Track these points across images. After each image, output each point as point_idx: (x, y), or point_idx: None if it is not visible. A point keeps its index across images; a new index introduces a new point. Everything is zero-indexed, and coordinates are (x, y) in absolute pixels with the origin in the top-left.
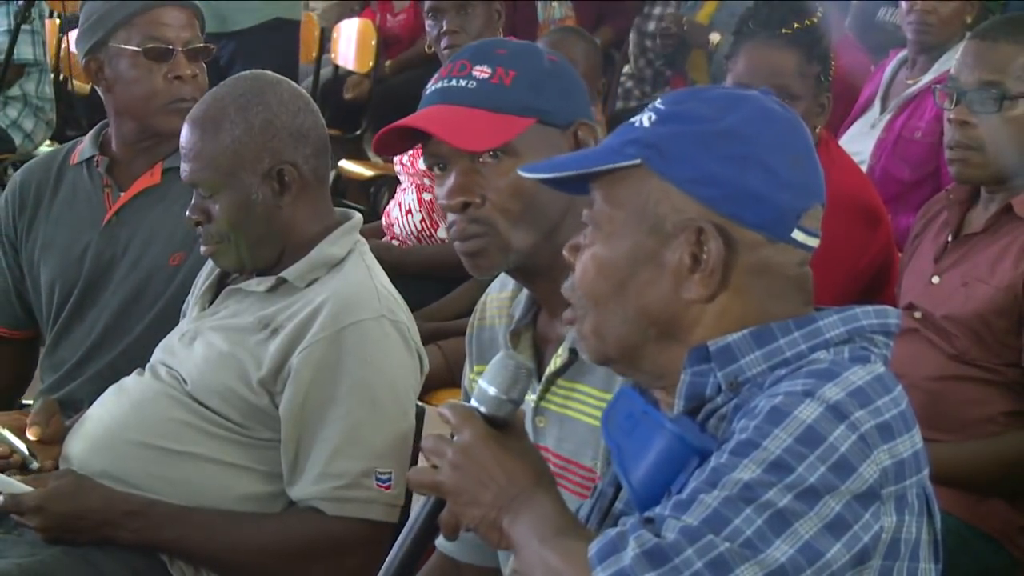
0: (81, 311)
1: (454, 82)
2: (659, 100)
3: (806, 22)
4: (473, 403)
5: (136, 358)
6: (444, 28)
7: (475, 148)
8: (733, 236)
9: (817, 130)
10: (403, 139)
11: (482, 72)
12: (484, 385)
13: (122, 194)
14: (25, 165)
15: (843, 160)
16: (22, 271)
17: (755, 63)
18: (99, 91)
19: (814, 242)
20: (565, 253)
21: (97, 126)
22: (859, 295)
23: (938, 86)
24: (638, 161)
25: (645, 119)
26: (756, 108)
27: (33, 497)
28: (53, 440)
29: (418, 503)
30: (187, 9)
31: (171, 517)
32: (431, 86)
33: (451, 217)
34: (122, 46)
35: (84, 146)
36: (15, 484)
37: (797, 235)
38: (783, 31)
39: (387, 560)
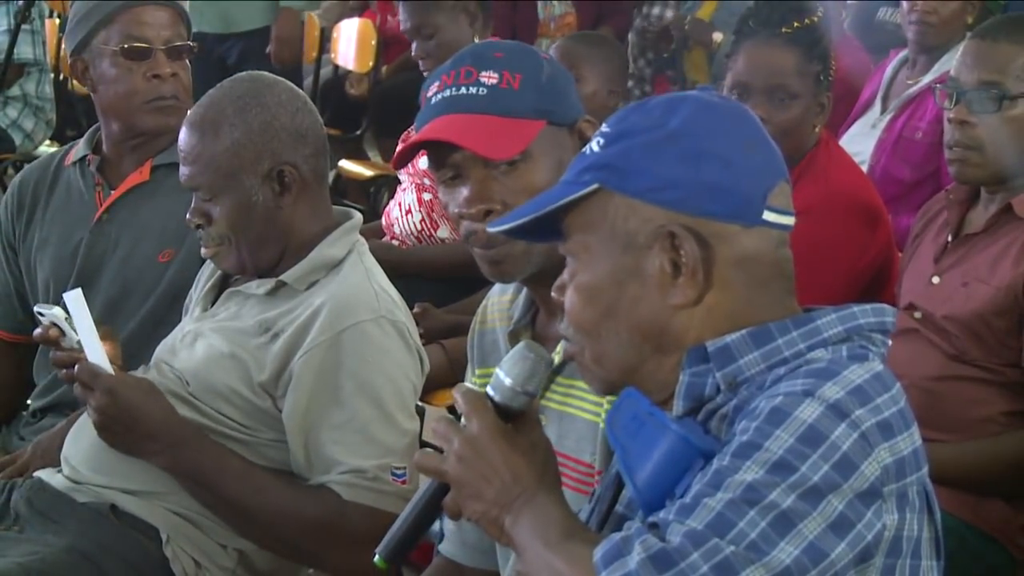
0: None
1: (463, 90)
2: (605, 124)
3: (806, 21)
4: (488, 390)
5: (128, 355)
6: (414, 52)
7: (502, 157)
8: (706, 233)
9: (816, 129)
10: (413, 146)
11: (490, 78)
12: (501, 375)
13: (112, 192)
14: (24, 168)
15: (843, 160)
16: (22, 273)
17: (755, 62)
18: (88, 91)
19: (788, 220)
20: (553, 294)
21: (93, 127)
22: (859, 295)
23: (938, 85)
24: (596, 186)
25: (594, 145)
26: (697, 105)
27: (110, 379)
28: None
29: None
30: (168, 8)
31: (211, 458)
32: (436, 93)
33: (470, 225)
34: (103, 46)
35: (78, 148)
36: (104, 359)
37: (768, 216)
38: (783, 30)
39: (388, 533)
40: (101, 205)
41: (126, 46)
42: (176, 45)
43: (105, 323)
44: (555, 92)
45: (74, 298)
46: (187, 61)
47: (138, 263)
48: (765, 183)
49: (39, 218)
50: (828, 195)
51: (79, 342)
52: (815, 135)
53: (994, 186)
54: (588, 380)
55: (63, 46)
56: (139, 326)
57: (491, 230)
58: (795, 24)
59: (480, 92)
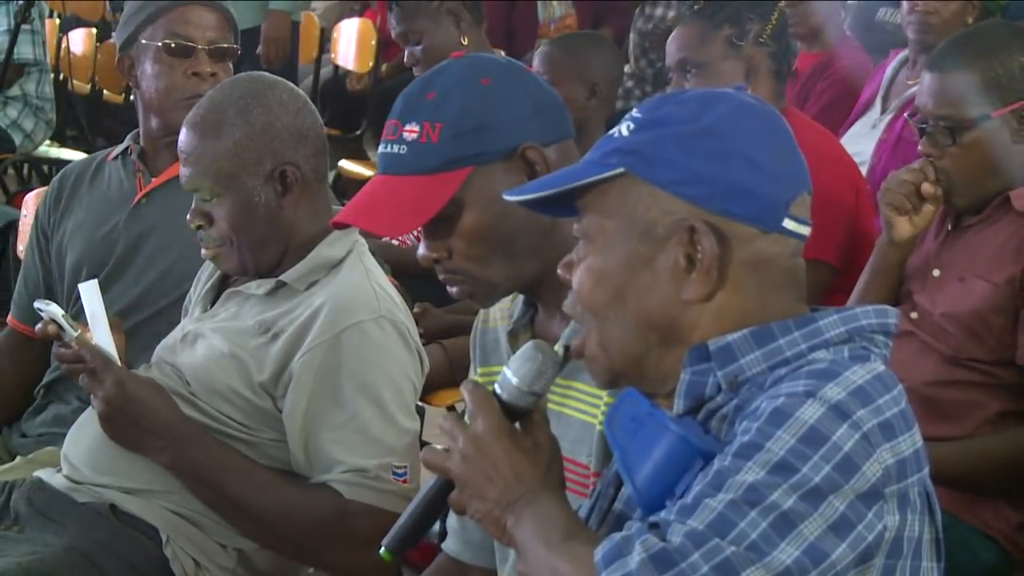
0: (106, 290)
1: (390, 148)
2: (636, 109)
3: None
4: (496, 388)
5: (161, 336)
6: (406, 59)
7: (402, 233)
8: (725, 232)
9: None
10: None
11: (411, 132)
12: (508, 374)
13: (153, 179)
14: (69, 164)
15: (815, 128)
16: (52, 262)
17: (669, 46)
18: (132, 88)
19: (805, 230)
20: (560, 271)
21: (135, 131)
22: (860, 252)
23: (907, 116)
24: (622, 170)
25: (624, 128)
26: (732, 104)
27: (120, 370)
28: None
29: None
30: (216, 11)
31: (213, 456)
32: (379, 145)
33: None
34: (148, 42)
35: (121, 145)
36: (114, 352)
37: (788, 224)
38: (694, 8)
39: (394, 527)
40: (141, 190)
41: (170, 43)
42: (220, 46)
43: (142, 305)
44: (485, 129)
45: (89, 289)
46: (230, 64)
47: (177, 246)
48: (789, 191)
49: (75, 207)
50: (808, 145)
51: (78, 338)
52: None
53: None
54: (592, 370)
55: (63, 46)
56: (174, 307)
57: (507, 197)
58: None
59: (401, 151)
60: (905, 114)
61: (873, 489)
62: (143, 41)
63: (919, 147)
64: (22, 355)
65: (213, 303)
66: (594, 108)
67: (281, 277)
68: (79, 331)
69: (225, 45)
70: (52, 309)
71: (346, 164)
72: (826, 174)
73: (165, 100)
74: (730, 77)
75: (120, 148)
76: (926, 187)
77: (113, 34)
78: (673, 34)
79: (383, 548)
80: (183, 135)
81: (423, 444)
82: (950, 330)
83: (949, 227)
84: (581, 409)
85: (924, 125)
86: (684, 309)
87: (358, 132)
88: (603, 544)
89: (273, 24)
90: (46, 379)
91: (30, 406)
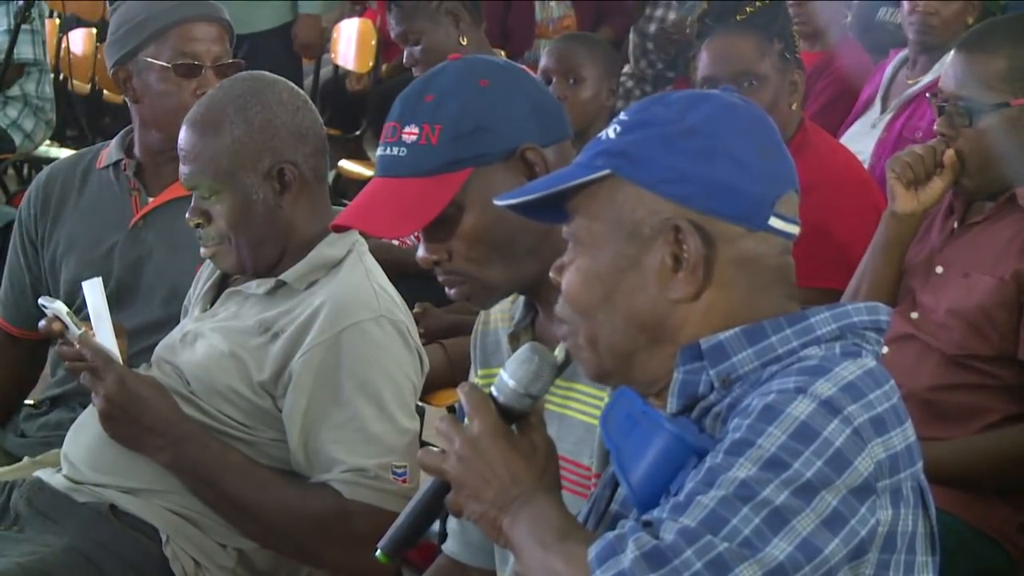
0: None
1: (389, 150)
2: (623, 112)
3: (758, 4)
4: (492, 391)
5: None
6: (405, 59)
7: (403, 234)
8: (711, 231)
9: (794, 107)
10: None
11: (410, 134)
12: (505, 377)
13: (151, 199)
14: (50, 165)
15: (832, 143)
16: (41, 270)
17: (716, 54)
18: (127, 100)
19: (793, 229)
20: (552, 274)
21: (122, 132)
22: None
23: (929, 95)
24: (608, 171)
25: (611, 131)
26: (717, 104)
27: (121, 368)
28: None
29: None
30: (217, 23)
31: (213, 455)
32: (378, 148)
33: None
34: (151, 60)
35: (110, 150)
36: (116, 349)
37: (774, 222)
38: (738, 18)
39: (391, 528)
40: (137, 211)
41: (178, 63)
42: (224, 63)
43: (146, 332)
44: (483, 131)
45: (92, 286)
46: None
47: (175, 272)
48: (775, 189)
49: (66, 218)
50: (833, 168)
51: (82, 336)
52: (796, 115)
53: (989, 196)
54: (580, 362)
55: (63, 46)
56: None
57: (498, 202)
58: (747, 10)
59: (400, 153)
60: (928, 94)
61: (865, 484)
62: (146, 58)
63: (935, 126)
64: (9, 354)
65: (213, 302)
66: (607, 109)
67: (281, 276)
68: (83, 329)
69: (230, 61)
70: (57, 306)
71: (346, 164)
72: (844, 192)
73: (173, 119)
74: (780, 93)
75: (111, 157)
76: (949, 153)
77: None
78: (719, 44)
79: (379, 550)
80: (183, 133)
81: (423, 444)
82: (953, 327)
83: (955, 225)
84: (583, 411)
85: (943, 104)
86: (672, 308)
87: (358, 132)
88: (596, 543)
89: (305, 28)
90: (50, 393)
91: (20, 407)
